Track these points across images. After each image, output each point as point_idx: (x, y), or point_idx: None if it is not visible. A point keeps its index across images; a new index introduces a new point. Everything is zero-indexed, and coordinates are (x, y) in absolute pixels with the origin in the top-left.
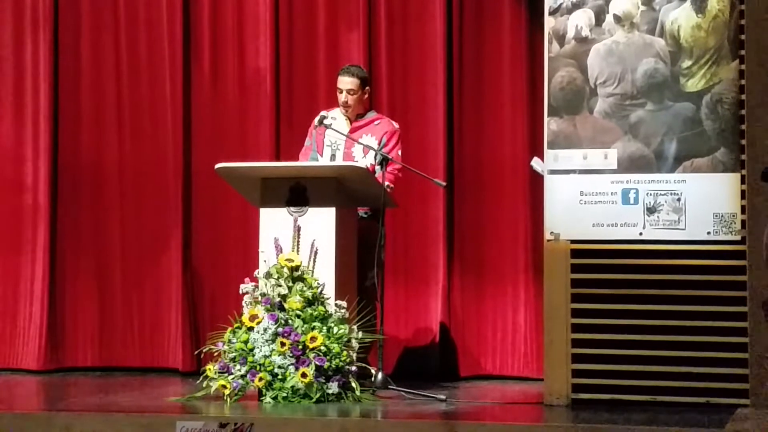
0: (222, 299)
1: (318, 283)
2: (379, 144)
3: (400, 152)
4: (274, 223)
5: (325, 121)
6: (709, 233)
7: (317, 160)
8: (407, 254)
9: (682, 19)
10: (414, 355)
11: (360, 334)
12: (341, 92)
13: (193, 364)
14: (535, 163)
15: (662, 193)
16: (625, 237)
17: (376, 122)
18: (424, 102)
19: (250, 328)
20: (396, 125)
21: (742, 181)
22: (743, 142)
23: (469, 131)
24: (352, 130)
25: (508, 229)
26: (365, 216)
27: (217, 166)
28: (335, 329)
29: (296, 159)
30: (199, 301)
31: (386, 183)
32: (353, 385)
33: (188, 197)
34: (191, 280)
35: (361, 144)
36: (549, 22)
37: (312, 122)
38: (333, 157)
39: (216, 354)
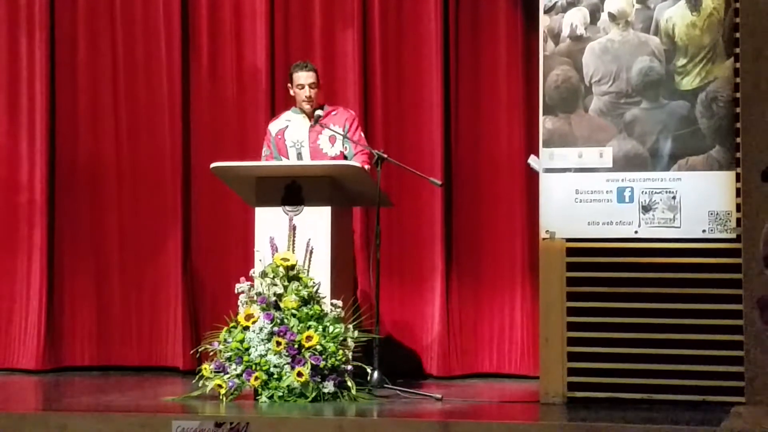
0: (222, 297)
1: (313, 283)
2: (344, 131)
3: (362, 134)
4: (269, 222)
5: (283, 125)
6: (704, 231)
7: None
8: (404, 253)
9: (676, 17)
10: (411, 354)
11: (356, 333)
12: (303, 87)
13: (193, 362)
14: (532, 161)
15: (657, 191)
16: (621, 235)
17: (333, 112)
18: (420, 101)
19: (246, 328)
20: (352, 111)
21: (737, 179)
22: (738, 140)
23: (465, 130)
24: (314, 126)
25: (505, 227)
26: None
27: (213, 165)
28: (331, 328)
29: None
30: (200, 299)
31: (366, 167)
32: (349, 384)
33: (187, 196)
34: (191, 279)
35: (331, 131)
36: (544, 21)
37: (267, 132)
38: (299, 155)
39: (212, 353)
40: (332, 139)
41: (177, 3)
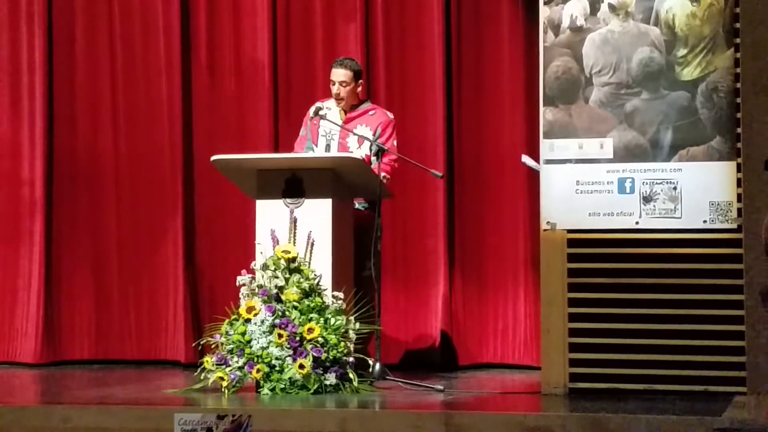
0: (222, 290)
1: (315, 275)
2: (374, 134)
3: (395, 143)
4: (270, 214)
5: (320, 112)
6: (705, 222)
7: (312, 150)
8: (407, 246)
9: (676, 7)
10: (415, 346)
11: (357, 325)
12: (334, 84)
13: (194, 355)
14: (526, 159)
15: (658, 181)
16: (622, 226)
17: (370, 112)
18: (423, 94)
19: (248, 320)
20: (391, 116)
21: (738, 170)
22: (739, 130)
23: (467, 123)
24: (347, 121)
25: (508, 219)
26: (361, 207)
27: (213, 158)
28: (332, 320)
29: (293, 151)
30: (200, 292)
31: (382, 174)
32: (351, 376)
33: (188, 189)
34: (192, 272)
35: (355, 134)
36: (544, 12)
37: (307, 112)
38: (328, 147)
39: (214, 346)
40: (360, 141)
41: None
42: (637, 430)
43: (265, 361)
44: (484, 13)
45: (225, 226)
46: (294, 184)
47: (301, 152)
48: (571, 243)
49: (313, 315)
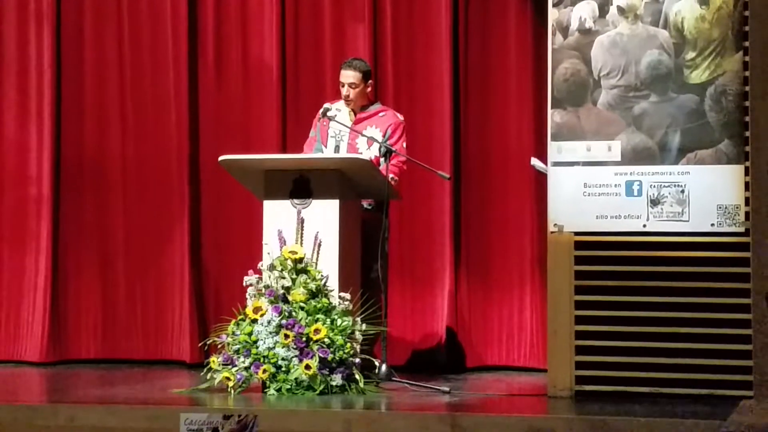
0: (228, 291)
1: (321, 275)
2: (384, 136)
3: (404, 144)
4: (277, 215)
5: (329, 113)
6: (712, 225)
7: (321, 151)
8: (414, 247)
9: (686, 10)
10: (421, 348)
11: (363, 326)
12: (343, 86)
13: (200, 355)
14: (535, 161)
15: (666, 184)
16: (629, 229)
17: (380, 114)
18: (430, 94)
19: (254, 320)
20: (401, 117)
21: (746, 173)
22: (747, 133)
23: (475, 124)
24: (357, 122)
25: (515, 221)
26: (369, 208)
27: (221, 158)
28: (339, 321)
29: (302, 151)
30: (206, 292)
31: (390, 175)
32: (357, 377)
33: (194, 189)
34: (198, 272)
35: (365, 136)
36: (553, 14)
37: (317, 114)
38: (337, 148)
39: (220, 346)
40: (369, 142)
41: None
42: None
43: (272, 361)
44: (492, 14)
45: (231, 226)
46: (301, 184)
47: (311, 153)
48: (579, 245)
49: (320, 316)
